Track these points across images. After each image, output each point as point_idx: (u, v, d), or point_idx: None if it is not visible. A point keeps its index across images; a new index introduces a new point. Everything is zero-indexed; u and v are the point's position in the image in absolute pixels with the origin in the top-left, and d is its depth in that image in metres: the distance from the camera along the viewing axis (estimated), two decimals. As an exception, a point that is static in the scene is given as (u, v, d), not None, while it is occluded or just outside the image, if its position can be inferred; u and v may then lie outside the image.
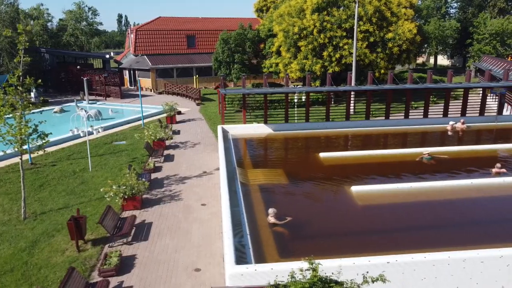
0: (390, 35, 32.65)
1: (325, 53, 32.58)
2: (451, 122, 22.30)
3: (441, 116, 23.68)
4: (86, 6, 71.05)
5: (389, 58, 33.67)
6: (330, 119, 24.15)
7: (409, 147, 18.95)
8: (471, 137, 22.10)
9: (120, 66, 50.13)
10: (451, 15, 59.80)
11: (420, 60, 77.63)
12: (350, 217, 12.09)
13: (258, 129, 21.83)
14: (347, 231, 11.42)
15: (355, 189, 13.31)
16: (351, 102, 31.75)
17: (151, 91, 45.36)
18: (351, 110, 31.80)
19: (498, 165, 15.23)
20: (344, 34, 32.49)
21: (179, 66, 46.24)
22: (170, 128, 26.08)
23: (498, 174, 15.07)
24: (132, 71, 47.94)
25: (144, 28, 48.19)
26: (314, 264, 6.77)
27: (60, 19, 71.47)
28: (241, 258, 9.09)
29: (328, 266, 8.45)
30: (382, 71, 33.14)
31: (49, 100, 39.57)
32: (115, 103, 37.77)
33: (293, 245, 10.75)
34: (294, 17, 34.04)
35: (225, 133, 20.94)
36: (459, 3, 60.81)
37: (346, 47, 32.23)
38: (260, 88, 25.97)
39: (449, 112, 23.56)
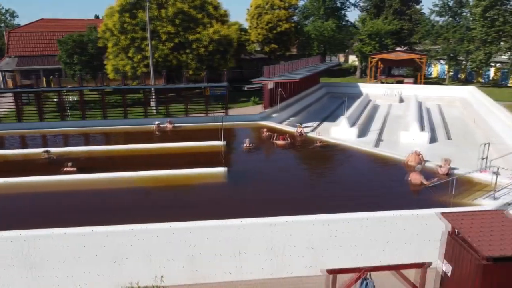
0: (193, 36, 32.95)
1: (130, 54, 33.00)
2: (156, 122, 22.57)
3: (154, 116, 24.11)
4: (3, 8, 72.20)
5: (200, 59, 33.93)
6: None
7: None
8: (160, 137, 21.75)
9: (-5, 68, 50.86)
10: (344, 16, 59.57)
11: (342, 59, 78.15)
12: None
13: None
14: None
15: None
16: (152, 102, 32.16)
17: (14, 92, 45.94)
18: (154, 110, 32.21)
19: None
20: (147, 35, 32.81)
21: (47, 67, 46.80)
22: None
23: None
24: (2, 73, 48.63)
25: (17, 30, 48.97)
26: None
27: (-22, 22, 72.82)
28: None
29: None
30: (191, 71, 33.50)
31: None
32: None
33: None
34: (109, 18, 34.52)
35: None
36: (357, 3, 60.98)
37: (147, 48, 32.58)
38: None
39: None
